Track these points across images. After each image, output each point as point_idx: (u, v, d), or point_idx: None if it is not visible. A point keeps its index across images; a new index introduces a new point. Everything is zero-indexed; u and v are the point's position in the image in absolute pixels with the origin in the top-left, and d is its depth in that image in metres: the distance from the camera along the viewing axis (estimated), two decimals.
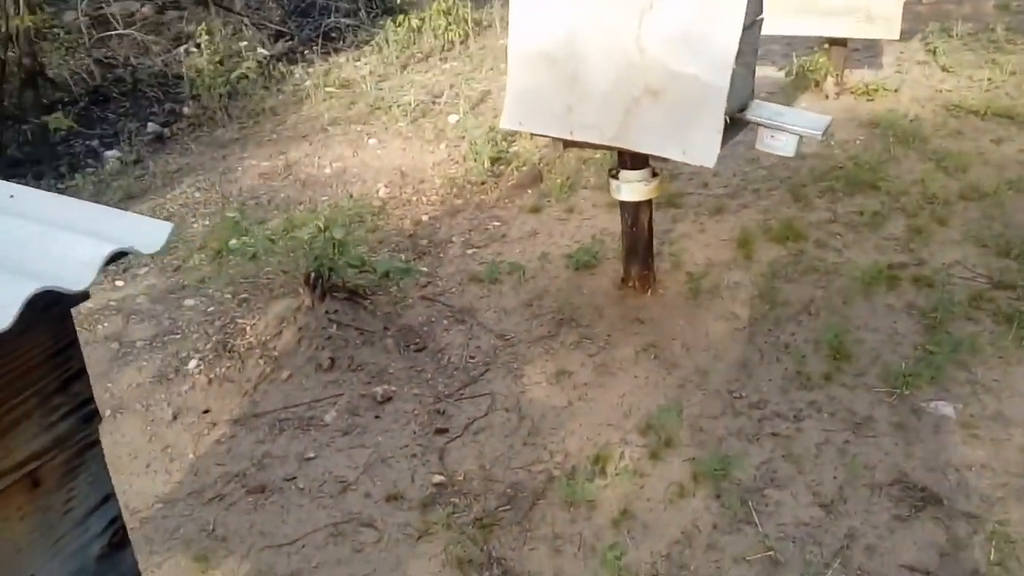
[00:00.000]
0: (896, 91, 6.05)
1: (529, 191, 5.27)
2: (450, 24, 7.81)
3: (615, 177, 3.81)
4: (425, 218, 5.04)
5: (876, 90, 6.02)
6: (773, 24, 5.91)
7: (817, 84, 6.08)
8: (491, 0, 8.38)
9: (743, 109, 3.65)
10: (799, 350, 3.47)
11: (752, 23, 3.53)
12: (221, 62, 6.62)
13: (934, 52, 6.72)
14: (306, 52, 7.94)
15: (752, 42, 3.61)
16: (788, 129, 3.55)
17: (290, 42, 8.16)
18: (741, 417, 3.13)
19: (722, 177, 5.10)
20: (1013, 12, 7.74)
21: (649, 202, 3.91)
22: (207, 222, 5.06)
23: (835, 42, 5.93)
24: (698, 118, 3.25)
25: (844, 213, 4.54)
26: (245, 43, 6.93)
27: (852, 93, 6.06)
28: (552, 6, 3.45)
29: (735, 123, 3.64)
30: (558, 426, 3.18)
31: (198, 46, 6.59)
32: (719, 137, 3.22)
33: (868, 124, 5.56)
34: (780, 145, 3.61)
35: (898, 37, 5.62)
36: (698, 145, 3.27)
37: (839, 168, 5.01)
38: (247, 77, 6.62)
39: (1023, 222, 4.25)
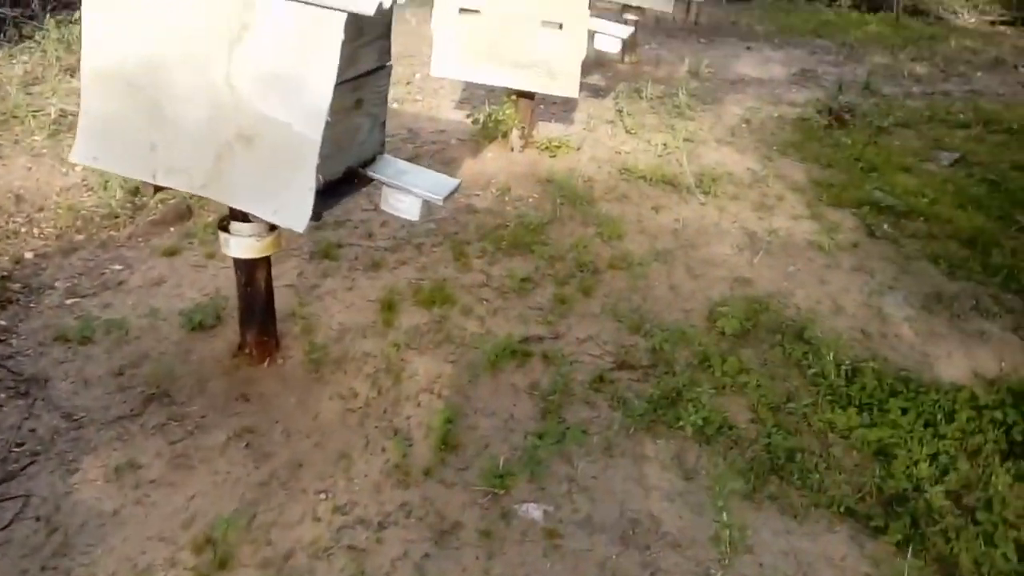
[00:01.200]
0: (578, 149, 6.09)
1: (172, 229, 4.65)
2: None
3: (225, 229, 3.33)
4: (30, 255, 4.26)
5: (559, 147, 6.03)
6: (458, 70, 5.79)
7: (504, 135, 5.98)
8: None
9: (366, 164, 3.32)
10: (408, 438, 3.16)
11: (377, 69, 3.21)
12: None
13: (621, 113, 6.92)
14: None
15: (379, 90, 3.29)
16: (411, 191, 3.26)
17: None
18: (320, 525, 2.74)
19: (390, 228, 4.79)
20: (701, 79, 8.23)
21: (267, 259, 3.46)
22: None
23: (523, 94, 5.87)
24: (291, 174, 2.85)
25: (498, 276, 4.36)
26: None
27: (537, 147, 6.03)
28: (130, 19, 2.90)
29: (359, 179, 3.31)
30: (96, 541, 2.62)
31: None
32: (311, 197, 2.83)
33: (544, 181, 5.52)
34: (404, 207, 3.30)
35: (576, 95, 5.64)
36: (290, 205, 2.87)
37: (505, 226, 4.87)
38: None
39: (661, 295, 4.29)
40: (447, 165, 5.73)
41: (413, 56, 7.77)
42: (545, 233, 4.82)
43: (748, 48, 9.55)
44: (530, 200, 5.27)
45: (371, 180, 3.24)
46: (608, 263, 4.54)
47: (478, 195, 5.29)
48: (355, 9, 2.62)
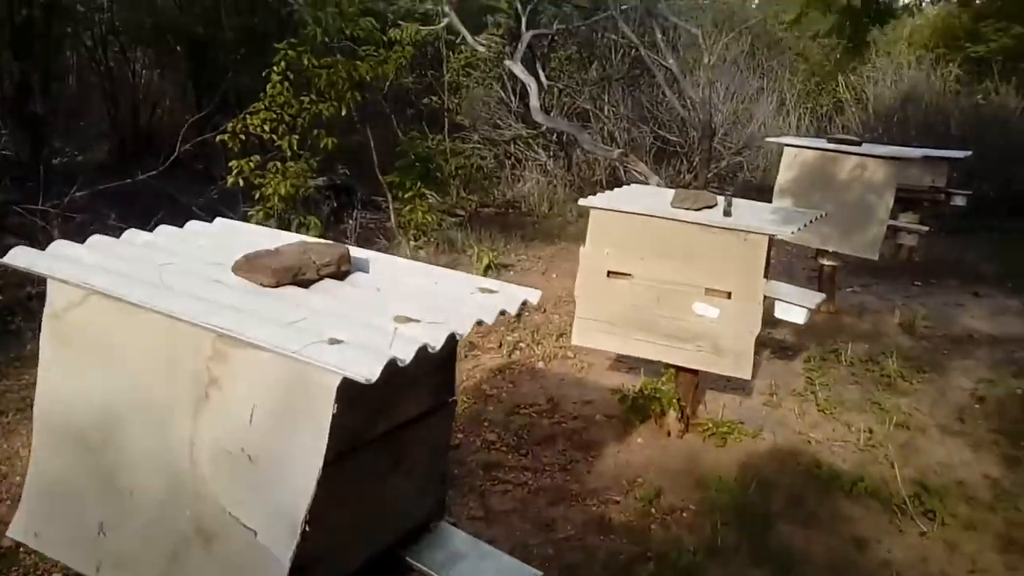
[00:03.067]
0: (755, 436, 4.90)
1: None
2: None
3: None
4: None
5: (730, 432, 4.87)
6: (604, 341, 4.89)
7: (660, 415, 4.93)
8: None
9: (411, 539, 2.40)
10: None
11: (428, 413, 2.36)
12: None
13: (813, 383, 5.68)
14: None
15: (434, 439, 2.43)
16: None
17: None
18: None
19: None
20: (917, 336, 6.84)
21: None
22: None
23: (683, 367, 4.86)
24: None
25: None
26: None
27: (701, 429, 4.91)
28: (87, 361, 2.28)
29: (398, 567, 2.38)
30: None
31: None
32: None
33: (706, 484, 4.35)
34: None
35: (748, 376, 4.55)
36: None
37: (646, 559, 3.72)
38: None
39: None
40: (585, 451, 4.72)
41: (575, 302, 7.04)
42: None
43: (975, 295, 8.03)
44: (684, 515, 4.10)
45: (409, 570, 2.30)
46: None
47: (617, 502, 4.21)
48: (351, 374, 1.81)
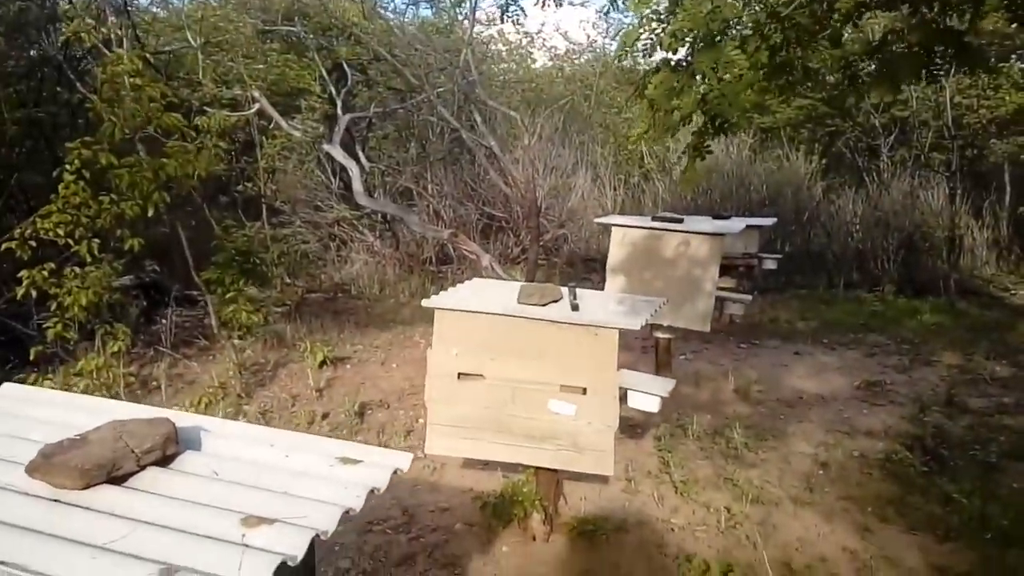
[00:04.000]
0: (619, 530, 4.76)
1: None
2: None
3: None
4: None
5: (596, 530, 4.71)
6: (459, 446, 4.60)
7: (524, 517, 4.69)
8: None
9: None
10: None
11: None
12: None
13: (667, 463, 5.67)
14: None
15: None
16: None
17: None
18: None
19: None
20: (752, 401, 7.06)
21: None
22: None
23: (542, 467, 4.66)
24: None
25: None
26: None
27: (567, 530, 4.71)
28: None
29: None
30: None
31: None
32: None
33: None
34: None
35: (611, 472, 4.42)
36: None
37: None
38: None
39: None
40: (449, 568, 4.39)
41: (418, 394, 6.73)
42: None
43: (796, 354, 8.48)
44: None
45: None
46: None
47: None
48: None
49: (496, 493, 4.84)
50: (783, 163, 13.58)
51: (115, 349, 6.84)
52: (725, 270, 7.90)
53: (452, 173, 13.63)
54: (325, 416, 6.39)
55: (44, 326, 6.82)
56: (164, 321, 8.43)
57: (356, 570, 4.40)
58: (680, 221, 7.40)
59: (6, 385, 2.72)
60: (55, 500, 1.90)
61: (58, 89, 11.63)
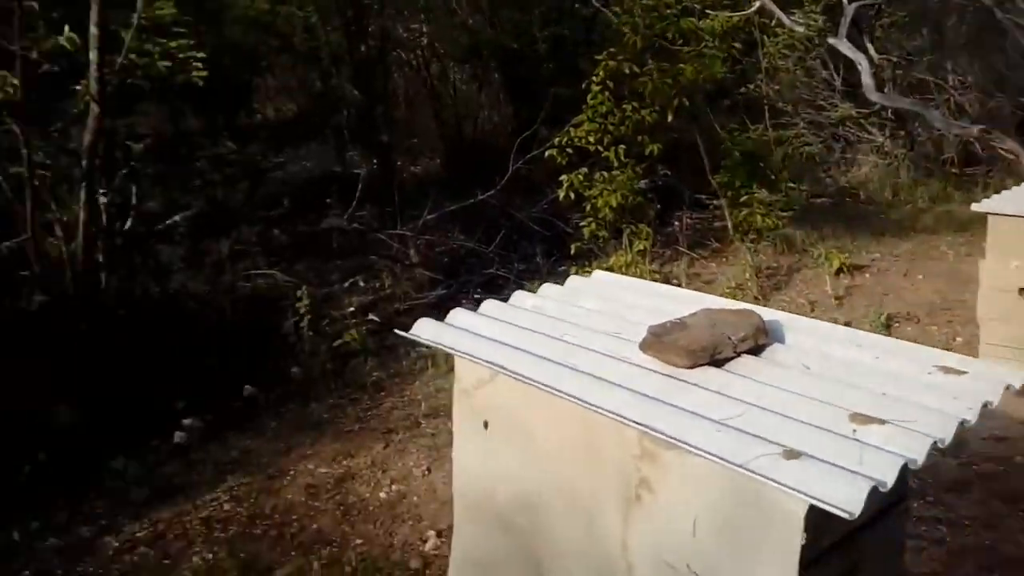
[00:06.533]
0: None
1: None
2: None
3: None
4: None
5: None
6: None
7: None
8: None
9: None
10: None
11: (891, 506, 1.95)
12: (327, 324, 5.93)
13: None
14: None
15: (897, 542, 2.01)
16: None
17: (446, 291, 7.42)
18: None
19: None
20: None
21: None
22: (210, 555, 4.06)
23: None
24: None
25: None
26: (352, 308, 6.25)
27: None
28: (502, 448, 2.18)
29: None
30: None
31: (299, 311, 5.95)
32: None
33: None
34: None
35: None
36: None
37: None
38: (350, 343, 5.85)
39: None
40: (1010, 505, 3.97)
41: (952, 309, 6.13)
42: None
43: None
44: None
45: None
46: None
47: None
48: (830, 507, 1.47)
49: None
50: None
51: (640, 248, 7.40)
52: None
53: (978, 60, 11.79)
54: (847, 325, 6.13)
55: (580, 225, 7.63)
56: (677, 224, 8.84)
57: None
58: None
59: (597, 272, 3.07)
60: (668, 376, 2.07)
61: (575, 5, 12.65)
